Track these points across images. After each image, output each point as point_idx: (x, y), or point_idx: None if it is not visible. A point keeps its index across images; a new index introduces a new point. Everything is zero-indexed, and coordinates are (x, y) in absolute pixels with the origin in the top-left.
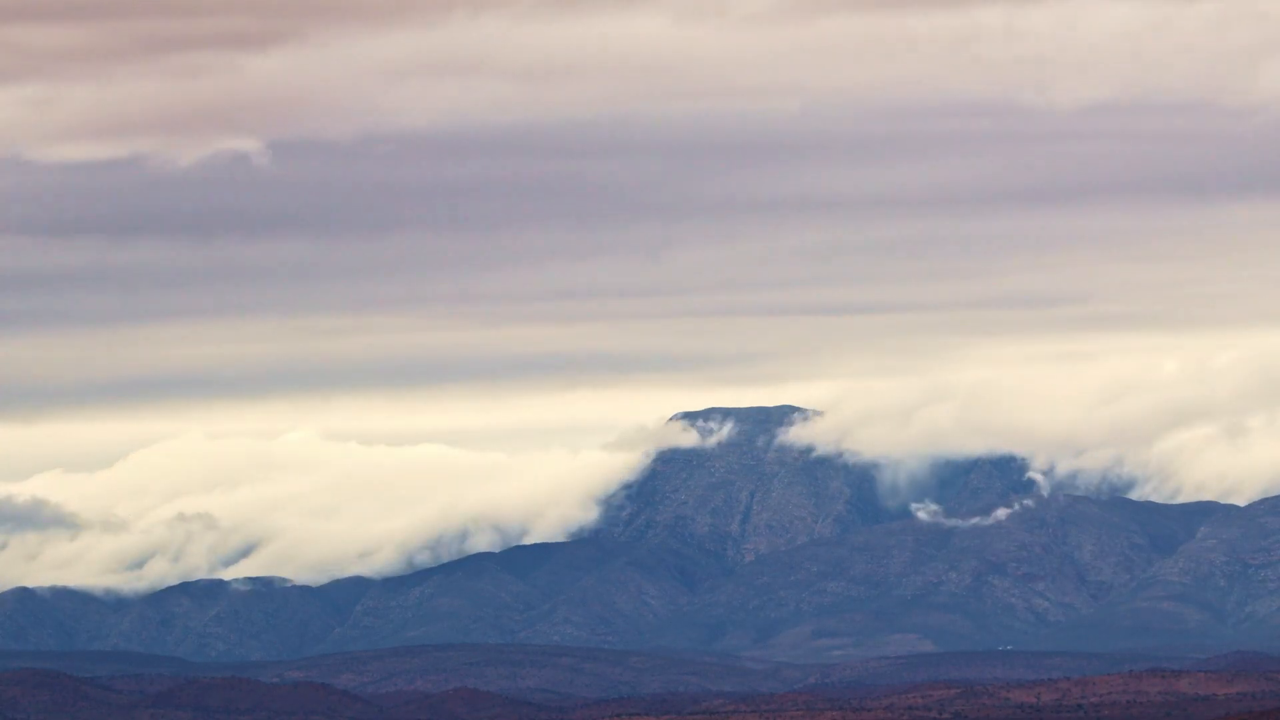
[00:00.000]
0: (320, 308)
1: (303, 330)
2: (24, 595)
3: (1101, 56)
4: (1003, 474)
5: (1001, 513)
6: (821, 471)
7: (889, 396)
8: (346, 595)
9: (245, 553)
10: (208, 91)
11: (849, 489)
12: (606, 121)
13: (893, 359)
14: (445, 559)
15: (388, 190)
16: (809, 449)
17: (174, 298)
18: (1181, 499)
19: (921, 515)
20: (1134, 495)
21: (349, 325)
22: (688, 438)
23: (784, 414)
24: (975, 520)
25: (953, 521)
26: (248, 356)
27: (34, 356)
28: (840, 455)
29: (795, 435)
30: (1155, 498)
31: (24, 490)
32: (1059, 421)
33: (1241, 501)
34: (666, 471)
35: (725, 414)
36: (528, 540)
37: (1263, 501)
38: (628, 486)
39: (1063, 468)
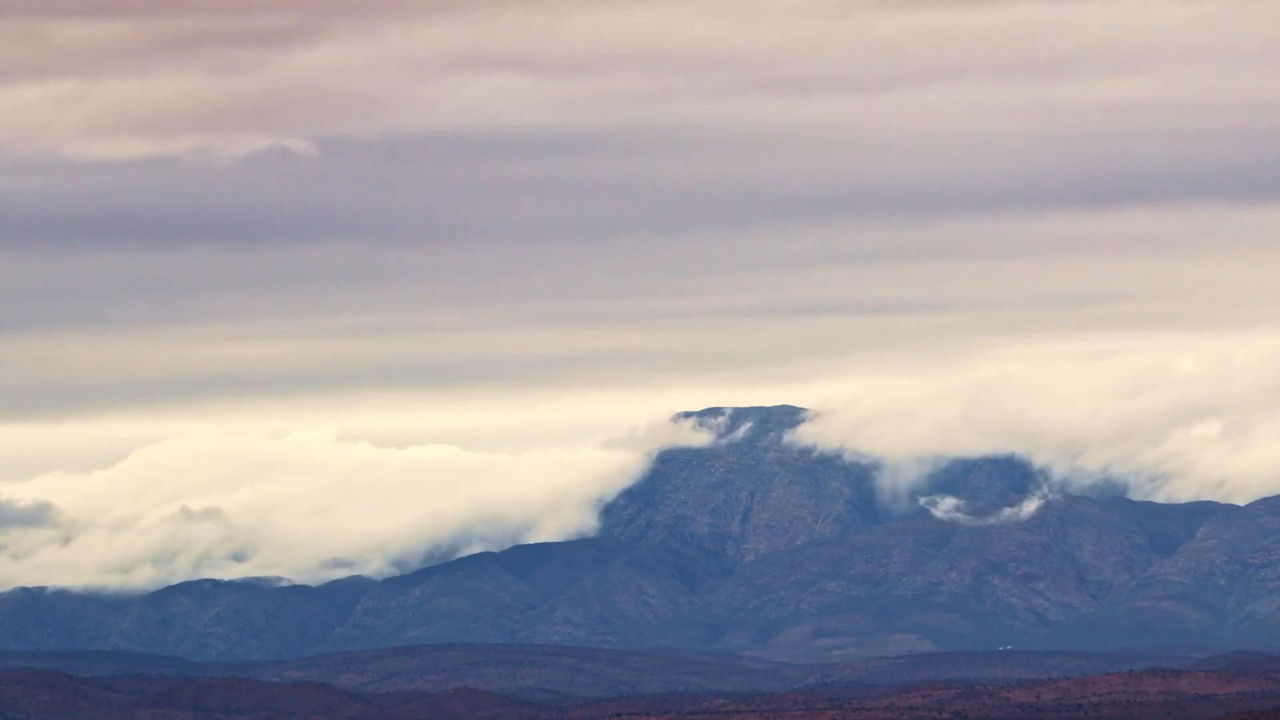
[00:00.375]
0: (341, 309)
1: (319, 331)
2: (24, 595)
3: (1128, 55)
4: (1004, 474)
5: (1030, 506)
6: (821, 471)
7: (890, 396)
8: (346, 595)
9: (246, 552)
10: (242, 88)
11: (849, 489)
12: (615, 121)
13: (894, 359)
14: (445, 559)
15: (400, 192)
16: (809, 449)
17: (193, 299)
18: (1181, 499)
19: (937, 513)
20: (1134, 495)
21: (364, 326)
22: (688, 437)
23: (784, 414)
24: (1006, 512)
25: (969, 518)
26: (265, 357)
27: (41, 358)
28: (840, 455)
29: (795, 435)
30: (1155, 498)
31: (26, 490)
32: (1060, 422)
33: (1241, 501)
34: (667, 471)
35: (725, 414)
36: (528, 540)
37: (1263, 501)
38: (628, 486)
39: (1064, 467)
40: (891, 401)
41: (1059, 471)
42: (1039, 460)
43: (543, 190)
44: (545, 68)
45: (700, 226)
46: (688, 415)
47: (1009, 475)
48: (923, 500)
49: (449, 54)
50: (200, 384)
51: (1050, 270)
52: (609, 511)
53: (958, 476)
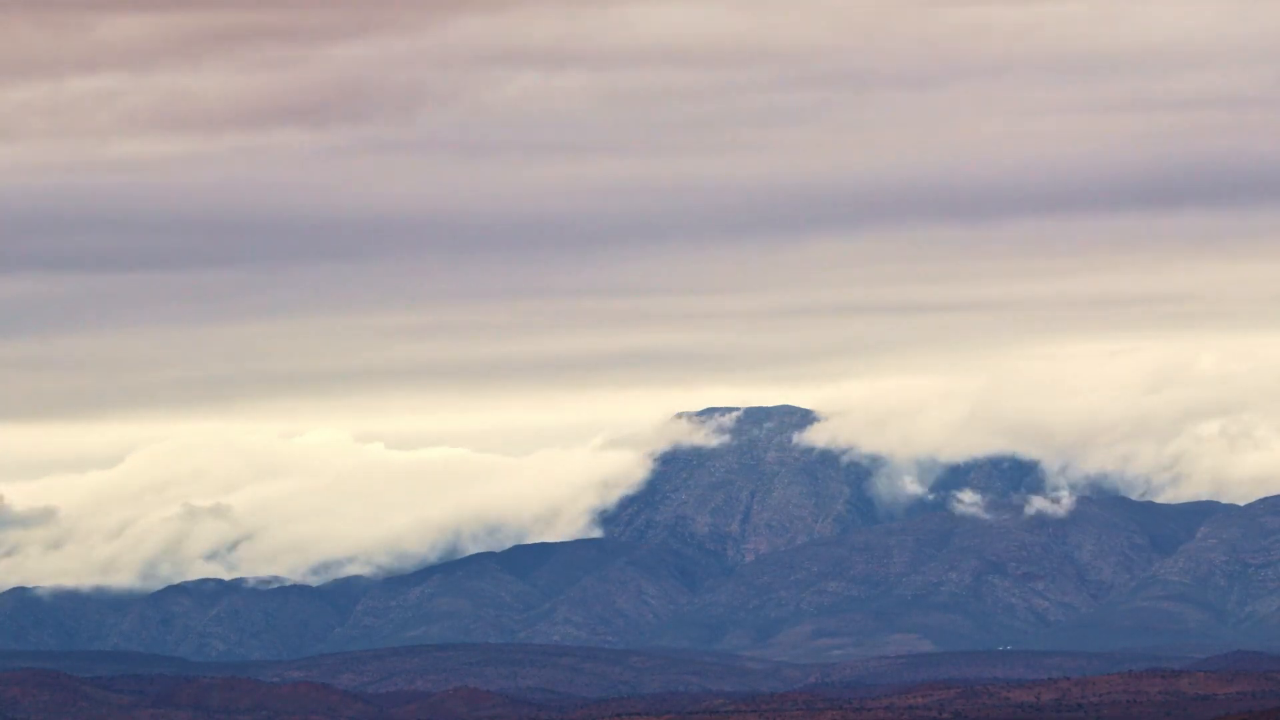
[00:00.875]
0: (363, 310)
1: (345, 332)
2: (24, 595)
3: (1185, 52)
4: (1003, 474)
5: (1060, 502)
6: (822, 471)
7: (890, 396)
8: (346, 595)
9: (246, 552)
10: (284, 84)
11: (849, 489)
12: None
13: (898, 360)
14: (445, 559)
15: (412, 195)
16: (809, 449)
17: (224, 299)
18: (1181, 499)
19: (960, 508)
20: (1134, 495)
21: (383, 328)
22: (688, 437)
23: (784, 414)
24: (1037, 502)
25: (996, 514)
26: (289, 356)
27: (46, 357)
28: (841, 455)
29: (796, 435)
30: (1155, 498)
31: (27, 490)
32: (1064, 422)
33: (1241, 501)
34: (667, 471)
35: (726, 414)
36: (528, 540)
37: (1263, 501)
38: (628, 486)
39: (1062, 467)
40: (891, 401)
41: (1060, 471)
42: (1041, 460)
43: (555, 190)
44: (590, 62)
45: (705, 227)
46: (687, 415)
47: (1008, 475)
48: (931, 496)
49: (495, 49)
50: (223, 383)
51: (1087, 270)
52: (609, 511)
53: (958, 476)
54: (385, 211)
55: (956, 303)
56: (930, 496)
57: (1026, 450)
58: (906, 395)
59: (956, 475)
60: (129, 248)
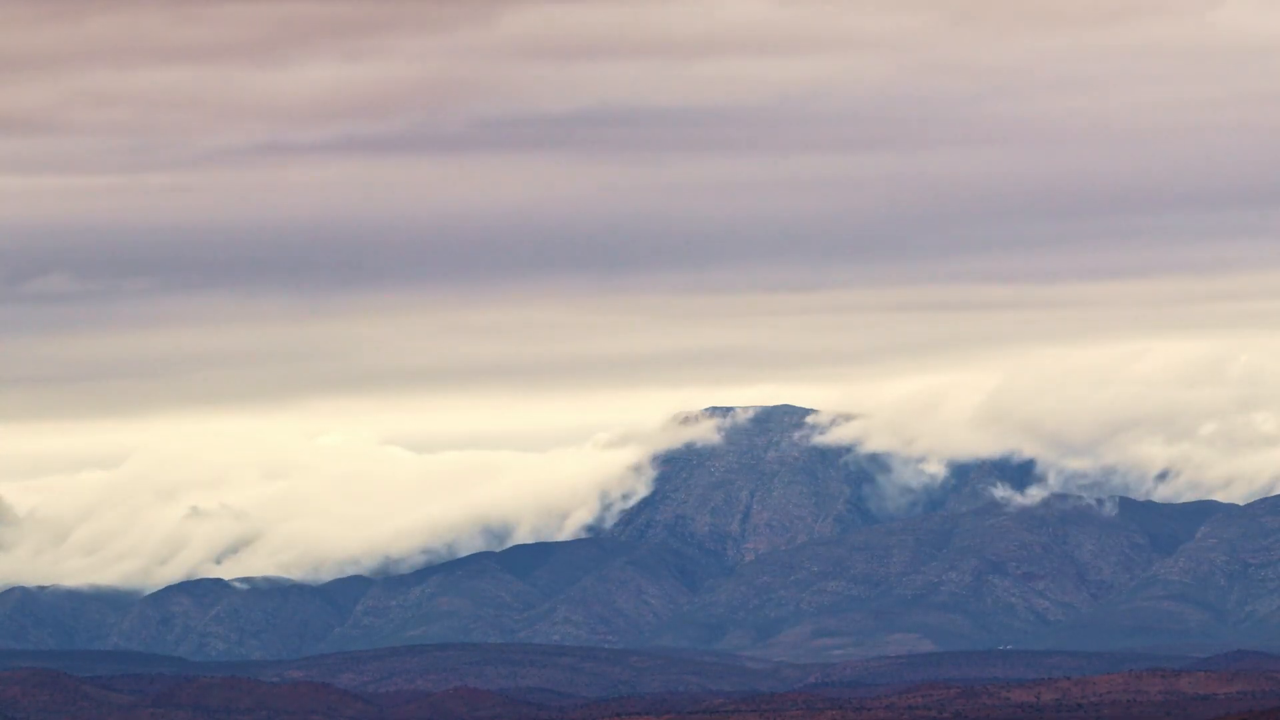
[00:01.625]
0: (380, 311)
1: (365, 332)
2: (24, 595)
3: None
4: (1003, 474)
5: (1107, 505)
6: (822, 471)
7: (890, 396)
8: (346, 595)
9: (246, 552)
10: (364, 78)
11: (849, 489)
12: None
13: (893, 359)
14: (445, 559)
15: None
16: (810, 449)
17: (244, 301)
18: (1182, 499)
19: (987, 501)
20: (1134, 495)
21: (398, 328)
22: (688, 437)
23: (784, 413)
24: (1056, 507)
25: (1006, 511)
26: (316, 358)
27: (41, 355)
28: (841, 455)
29: (796, 435)
30: (1155, 497)
31: (26, 490)
32: (1059, 422)
33: (1241, 501)
34: (667, 471)
35: (725, 413)
36: (528, 540)
37: (1263, 501)
38: (628, 486)
39: (1062, 466)
40: (891, 401)
41: (1058, 471)
42: (1038, 459)
43: (561, 191)
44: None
45: (710, 229)
46: (686, 415)
47: (1008, 475)
48: (940, 492)
49: (552, 42)
50: (258, 384)
51: (1138, 269)
52: (609, 511)
53: (958, 475)
54: (405, 216)
55: (967, 303)
56: (940, 492)
57: (1031, 450)
58: (907, 395)
59: (957, 474)
60: (150, 250)
